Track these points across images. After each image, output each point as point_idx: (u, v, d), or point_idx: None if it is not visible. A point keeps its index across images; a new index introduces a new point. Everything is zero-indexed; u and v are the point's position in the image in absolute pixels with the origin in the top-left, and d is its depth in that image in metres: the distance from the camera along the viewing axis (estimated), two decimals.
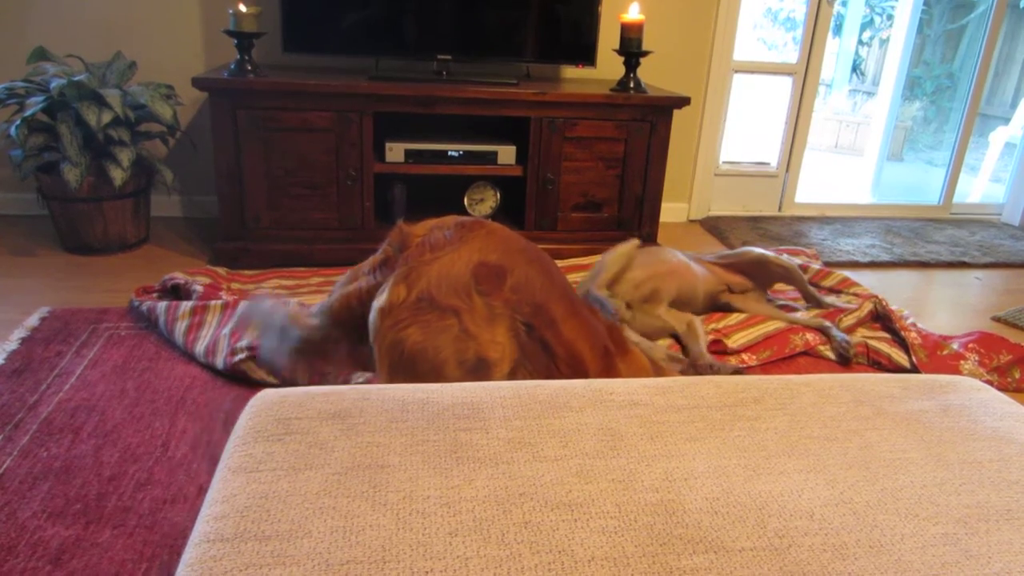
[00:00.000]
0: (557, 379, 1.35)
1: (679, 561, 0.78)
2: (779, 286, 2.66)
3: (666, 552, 0.79)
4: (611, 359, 1.60)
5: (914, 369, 2.16)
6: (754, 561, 0.79)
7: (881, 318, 2.41)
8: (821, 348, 2.25)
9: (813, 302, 2.53)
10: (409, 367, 1.38)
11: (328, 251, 2.74)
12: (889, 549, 0.82)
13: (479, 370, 1.39)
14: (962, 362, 2.19)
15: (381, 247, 1.58)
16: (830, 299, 2.57)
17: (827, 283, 2.76)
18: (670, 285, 2.31)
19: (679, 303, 2.33)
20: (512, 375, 1.43)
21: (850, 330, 2.34)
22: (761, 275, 2.48)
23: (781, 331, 2.27)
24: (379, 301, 1.43)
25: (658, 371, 1.82)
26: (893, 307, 2.45)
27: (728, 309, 2.43)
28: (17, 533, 1.34)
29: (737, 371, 2.06)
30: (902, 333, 2.27)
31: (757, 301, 2.46)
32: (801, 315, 2.42)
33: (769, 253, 2.46)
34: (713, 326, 2.29)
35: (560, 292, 1.54)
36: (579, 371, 1.50)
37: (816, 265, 2.89)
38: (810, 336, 2.26)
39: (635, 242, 2.37)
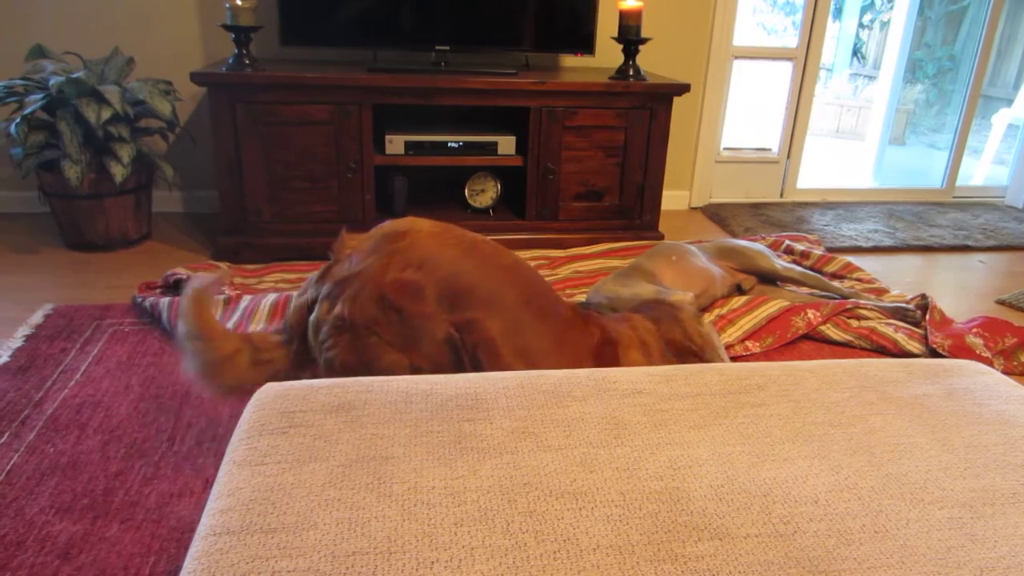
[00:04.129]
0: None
1: (684, 548, 0.78)
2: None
3: (671, 539, 0.79)
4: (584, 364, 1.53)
5: (931, 353, 2.16)
6: (759, 547, 0.79)
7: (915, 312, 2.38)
8: (823, 328, 2.25)
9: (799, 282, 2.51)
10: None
11: (329, 244, 2.72)
12: (894, 534, 0.82)
13: None
14: (968, 337, 2.19)
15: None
16: (834, 284, 2.56)
17: (830, 269, 2.75)
18: (705, 291, 2.31)
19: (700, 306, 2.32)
20: None
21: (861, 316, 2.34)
22: (748, 266, 2.48)
23: (783, 312, 2.26)
24: (312, 316, 1.43)
25: None
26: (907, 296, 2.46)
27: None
28: (26, 528, 1.35)
29: None
30: (929, 326, 2.27)
31: (772, 293, 2.46)
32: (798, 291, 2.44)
33: (738, 242, 2.45)
34: (719, 312, 2.29)
35: (515, 297, 1.47)
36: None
37: (819, 251, 2.88)
38: (812, 315, 2.26)
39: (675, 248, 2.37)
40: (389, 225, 1.51)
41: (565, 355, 1.52)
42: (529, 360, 1.45)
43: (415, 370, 1.38)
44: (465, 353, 1.40)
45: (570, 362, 1.52)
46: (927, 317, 2.30)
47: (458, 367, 1.40)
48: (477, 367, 1.40)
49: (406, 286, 1.38)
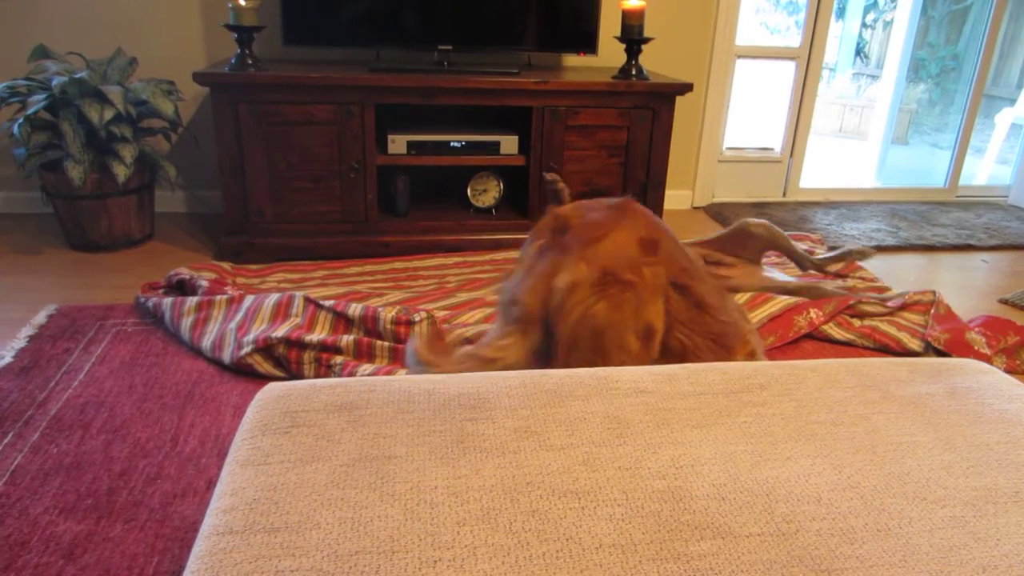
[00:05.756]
0: (715, 329, 1.48)
1: (686, 547, 0.78)
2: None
3: (673, 538, 0.79)
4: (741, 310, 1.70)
5: (930, 349, 2.16)
6: (762, 546, 0.79)
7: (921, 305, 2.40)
8: (825, 328, 2.25)
9: (800, 262, 2.51)
10: (596, 340, 1.44)
11: (332, 244, 2.74)
12: (897, 533, 0.82)
13: (648, 339, 1.47)
14: (968, 333, 2.19)
15: (532, 235, 1.62)
16: (836, 283, 2.56)
17: (832, 268, 2.75)
18: None
19: None
20: (665, 338, 1.50)
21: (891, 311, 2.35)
22: (750, 245, 2.46)
23: (785, 311, 2.26)
24: (562, 280, 1.46)
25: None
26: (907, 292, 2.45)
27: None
28: (30, 528, 1.35)
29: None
30: (932, 320, 2.27)
31: (749, 275, 2.44)
32: (789, 280, 2.44)
33: (750, 219, 2.46)
34: None
35: (688, 257, 1.63)
36: (730, 319, 1.57)
37: (821, 250, 2.88)
38: (814, 314, 2.26)
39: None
40: (604, 200, 1.64)
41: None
42: (721, 294, 1.62)
43: (648, 328, 1.48)
44: (689, 296, 1.53)
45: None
46: (932, 312, 2.30)
47: (669, 316, 1.52)
48: (700, 305, 1.53)
49: (650, 244, 1.52)
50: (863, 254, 2.41)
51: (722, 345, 1.52)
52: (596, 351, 1.43)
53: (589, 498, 0.84)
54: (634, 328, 1.45)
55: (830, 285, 2.32)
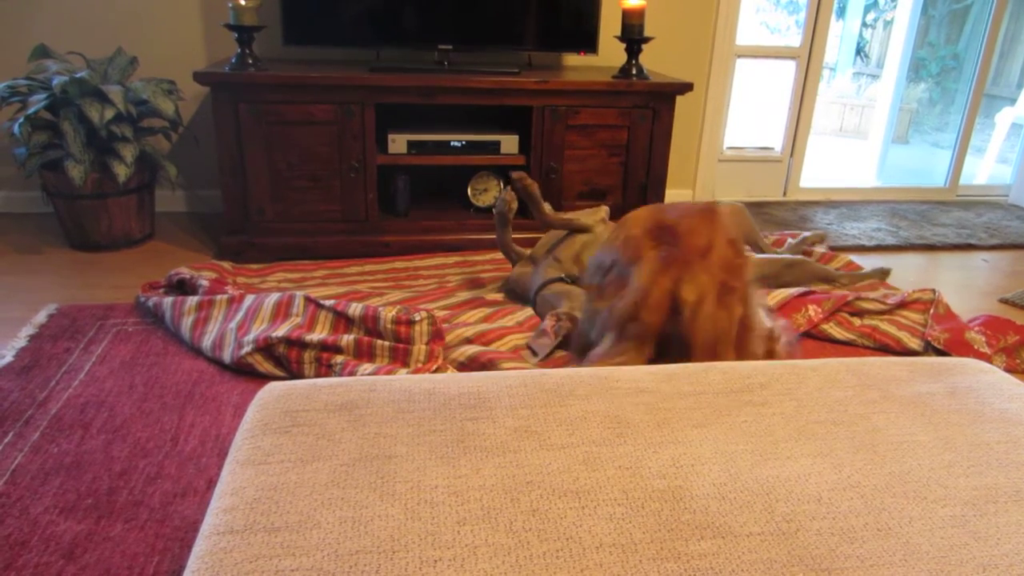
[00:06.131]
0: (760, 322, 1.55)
1: (687, 547, 0.78)
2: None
3: (674, 538, 0.79)
4: None
5: (930, 349, 2.16)
6: (762, 546, 0.79)
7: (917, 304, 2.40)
8: (825, 327, 2.25)
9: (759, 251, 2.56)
10: (735, 343, 1.52)
11: (332, 243, 2.74)
12: (897, 532, 0.82)
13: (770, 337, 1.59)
14: (968, 332, 2.19)
15: (623, 247, 1.64)
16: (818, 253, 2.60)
17: (833, 267, 2.75)
18: None
19: None
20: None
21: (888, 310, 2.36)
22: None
23: (782, 308, 2.26)
24: (689, 294, 1.51)
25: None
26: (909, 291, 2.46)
27: None
28: (30, 528, 1.35)
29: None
30: (932, 320, 2.27)
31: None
32: (775, 256, 2.49)
33: (722, 201, 2.49)
34: None
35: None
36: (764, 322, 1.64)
37: (822, 249, 2.88)
38: (812, 311, 2.26)
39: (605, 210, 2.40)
40: (684, 204, 1.68)
41: None
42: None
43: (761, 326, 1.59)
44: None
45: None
46: (932, 311, 2.30)
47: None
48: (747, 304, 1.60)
49: (737, 245, 1.60)
50: (884, 273, 2.53)
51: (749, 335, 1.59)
52: (736, 353, 1.51)
53: (589, 497, 0.84)
54: (757, 328, 1.55)
55: (814, 259, 2.36)
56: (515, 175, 2.18)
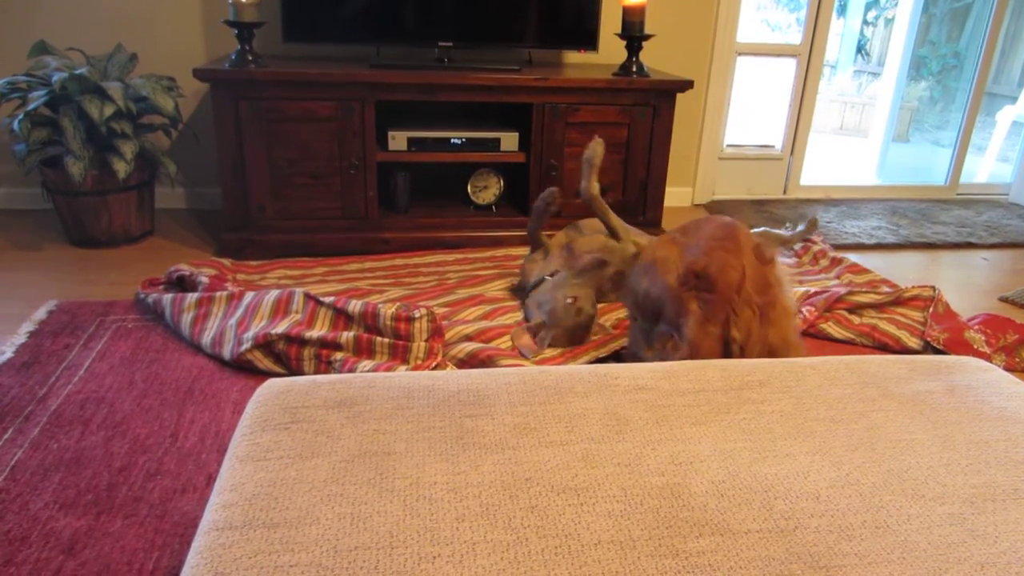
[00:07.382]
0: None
1: (685, 544, 0.78)
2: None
3: (672, 535, 0.79)
4: None
5: (929, 348, 2.16)
6: (760, 543, 0.79)
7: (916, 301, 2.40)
8: (824, 326, 2.25)
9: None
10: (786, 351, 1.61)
11: (332, 240, 2.74)
12: (895, 530, 0.82)
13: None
14: (967, 331, 2.19)
15: (682, 301, 1.66)
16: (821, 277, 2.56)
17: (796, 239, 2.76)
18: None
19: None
20: None
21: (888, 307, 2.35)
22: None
23: None
24: (739, 335, 1.58)
25: None
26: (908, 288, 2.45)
27: None
28: (30, 524, 1.35)
29: None
30: (931, 319, 2.27)
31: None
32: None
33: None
34: None
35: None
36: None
37: (820, 247, 2.88)
38: (806, 311, 2.26)
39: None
40: (705, 230, 1.71)
41: None
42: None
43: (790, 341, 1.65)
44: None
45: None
46: (931, 310, 2.30)
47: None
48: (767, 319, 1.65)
49: (763, 252, 1.66)
50: (813, 223, 2.48)
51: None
52: (785, 349, 1.58)
53: (588, 494, 0.85)
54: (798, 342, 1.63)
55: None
56: (596, 138, 2.25)
